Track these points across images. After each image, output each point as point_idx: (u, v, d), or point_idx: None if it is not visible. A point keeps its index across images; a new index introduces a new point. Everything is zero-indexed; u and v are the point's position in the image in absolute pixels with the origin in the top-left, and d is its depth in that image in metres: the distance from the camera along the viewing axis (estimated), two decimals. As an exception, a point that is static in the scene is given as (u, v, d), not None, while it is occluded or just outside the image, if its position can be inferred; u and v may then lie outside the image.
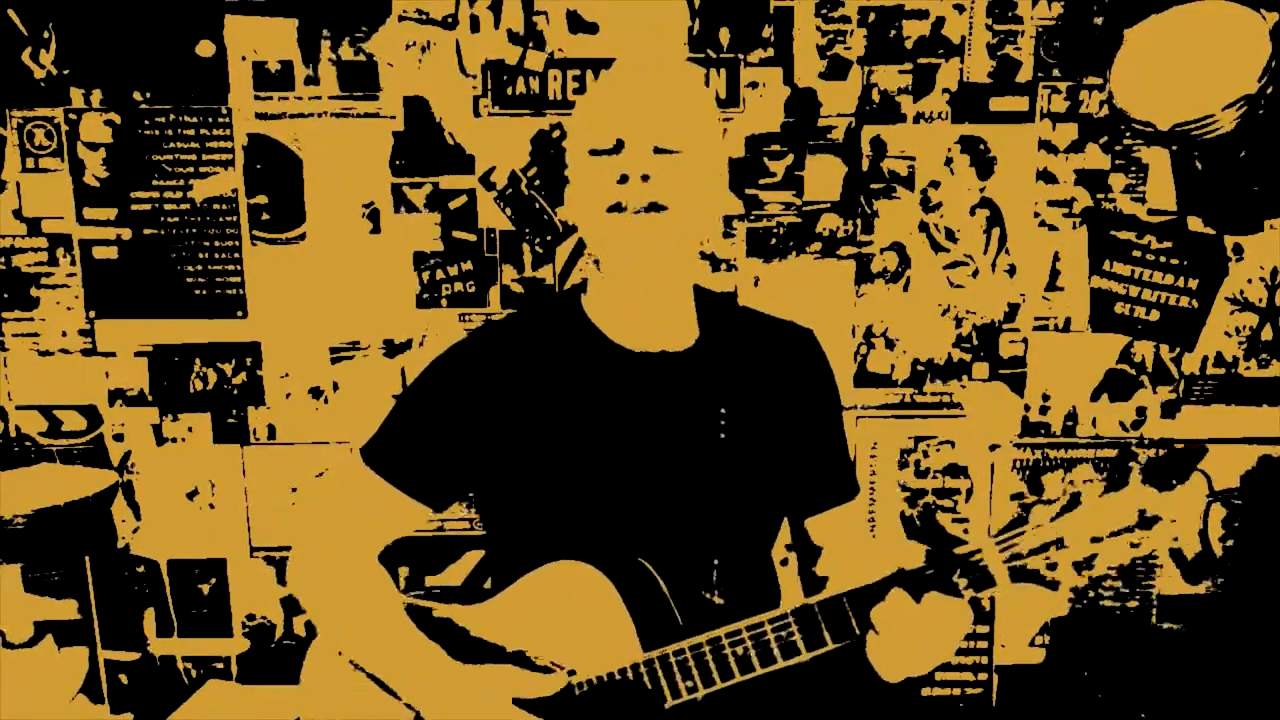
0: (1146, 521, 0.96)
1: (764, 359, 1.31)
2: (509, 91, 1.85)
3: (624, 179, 1.16)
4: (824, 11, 1.83)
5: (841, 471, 1.36)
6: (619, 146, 1.17)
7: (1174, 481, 0.96)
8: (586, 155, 1.20)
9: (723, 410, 1.25)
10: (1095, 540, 0.98)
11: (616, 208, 1.16)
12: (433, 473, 1.28)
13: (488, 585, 1.42)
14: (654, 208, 1.15)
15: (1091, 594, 2.00)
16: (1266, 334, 1.93)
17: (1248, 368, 1.94)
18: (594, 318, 1.30)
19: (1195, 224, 1.89)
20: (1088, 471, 1.95)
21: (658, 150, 1.17)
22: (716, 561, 1.21)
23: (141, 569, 1.96)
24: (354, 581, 1.27)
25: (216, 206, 1.87)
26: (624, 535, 1.20)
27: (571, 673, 1.16)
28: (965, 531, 0.98)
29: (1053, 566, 0.99)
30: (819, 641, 1.07)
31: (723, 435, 1.25)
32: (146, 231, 1.87)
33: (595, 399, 1.25)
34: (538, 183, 1.87)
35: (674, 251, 1.21)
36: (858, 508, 1.37)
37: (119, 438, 1.92)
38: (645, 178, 1.15)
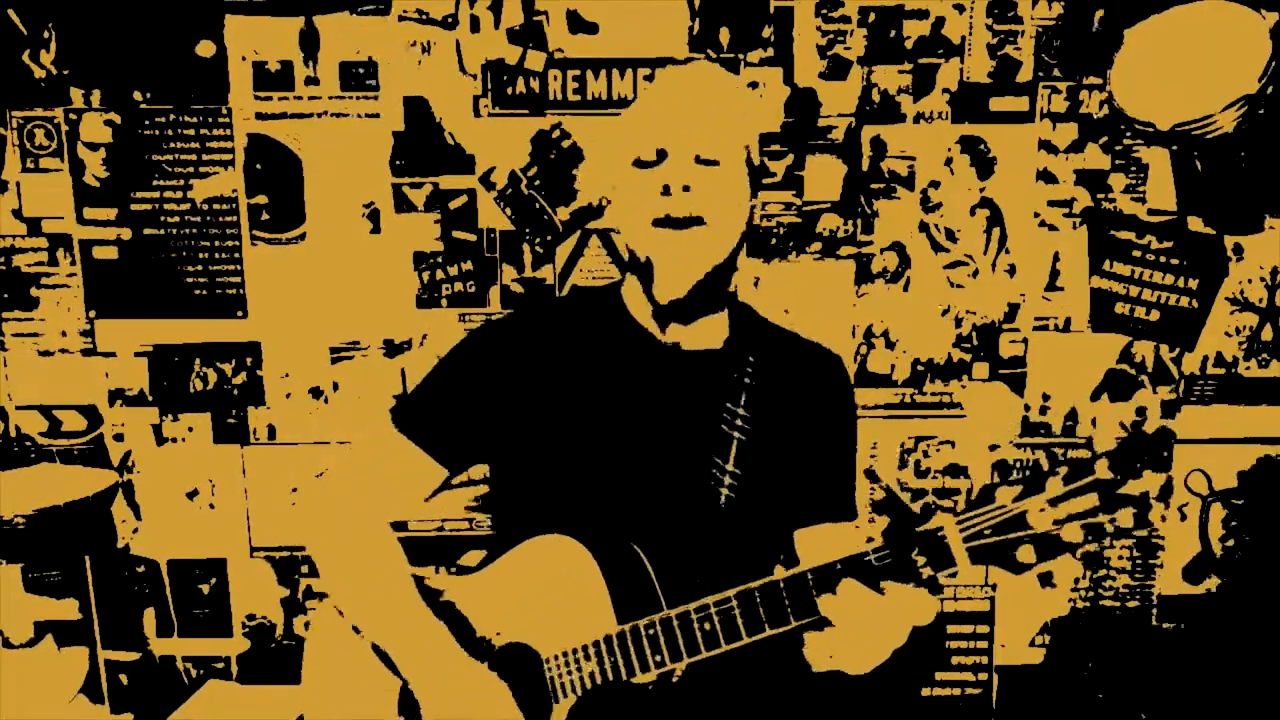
0: (1110, 504, 0.95)
1: (789, 371, 1.34)
2: (509, 91, 1.85)
3: (666, 190, 1.19)
4: (824, 11, 1.83)
5: (843, 494, 1.38)
6: (661, 156, 1.22)
7: (1139, 467, 0.95)
8: (630, 168, 1.24)
9: (740, 409, 1.27)
10: (1057, 523, 0.97)
11: (663, 222, 1.20)
12: (456, 437, 1.32)
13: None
14: (695, 221, 1.19)
15: (1092, 593, 2.00)
16: (1266, 334, 1.93)
17: (1248, 368, 1.94)
18: (633, 310, 1.34)
19: (1195, 224, 1.89)
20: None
21: (700, 160, 1.21)
22: (712, 554, 1.22)
23: (141, 569, 1.96)
24: (365, 546, 1.30)
25: (216, 206, 1.87)
26: (625, 519, 1.22)
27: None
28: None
29: (1014, 546, 0.98)
30: (782, 619, 1.07)
31: (737, 434, 1.26)
32: (147, 231, 1.87)
33: (620, 385, 1.28)
34: (538, 183, 1.87)
35: (706, 259, 1.23)
36: (849, 529, 1.37)
37: (119, 438, 1.92)
38: (686, 188, 1.19)
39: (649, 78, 1.82)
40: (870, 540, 1.03)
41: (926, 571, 1.01)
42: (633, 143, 1.24)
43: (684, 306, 1.26)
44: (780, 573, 1.08)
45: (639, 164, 1.23)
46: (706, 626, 1.10)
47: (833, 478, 1.36)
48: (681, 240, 1.20)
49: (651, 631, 1.12)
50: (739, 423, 1.27)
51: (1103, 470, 0.95)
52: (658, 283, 1.23)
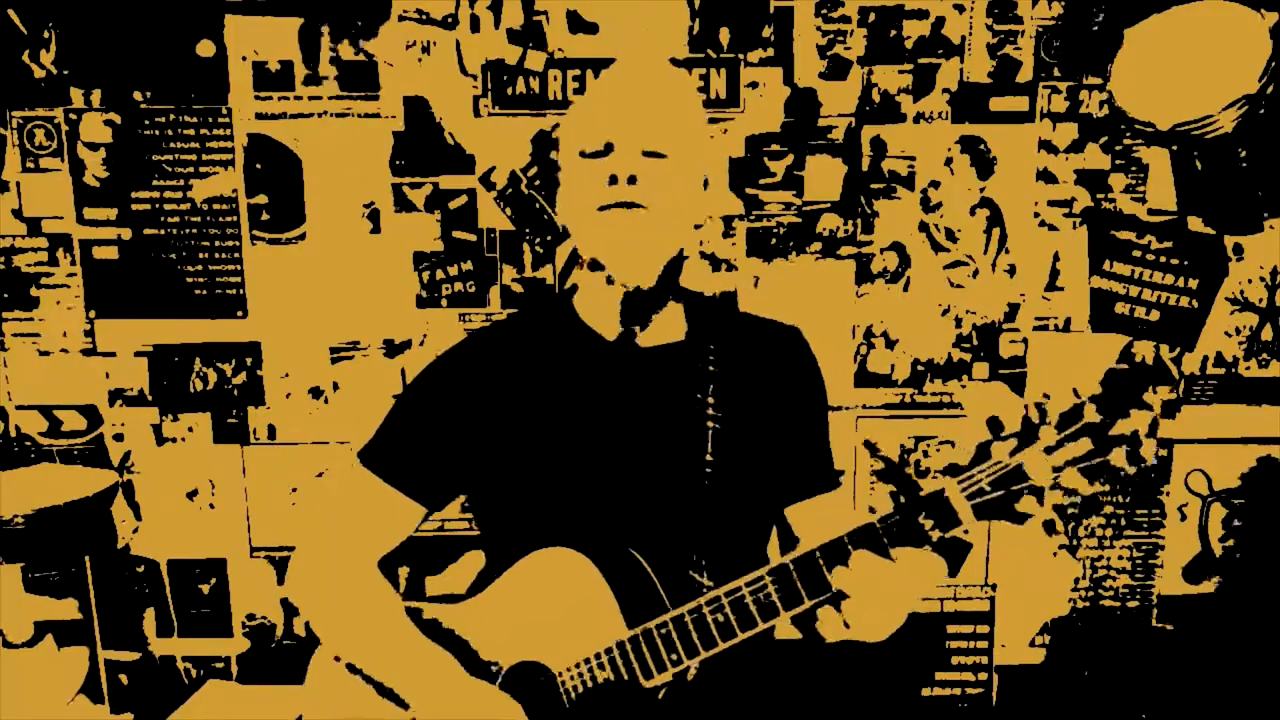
0: (1102, 447, 0.97)
1: (751, 353, 1.33)
2: (509, 91, 1.85)
3: (613, 180, 1.19)
4: (824, 11, 1.83)
5: (823, 463, 1.38)
6: (608, 149, 1.21)
7: (1127, 408, 0.97)
8: (577, 157, 1.24)
9: (710, 399, 1.27)
10: (1055, 470, 0.99)
11: (608, 206, 1.20)
12: (429, 472, 1.31)
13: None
14: (632, 205, 1.19)
15: (1092, 593, 2.00)
16: (1266, 334, 1.93)
17: (1248, 368, 1.94)
18: (585, 317, 1.32)
19: (1195, 224, 1.89)
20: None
21: (646, 154, 1.21)
22: (704, 547, 1.22)
23: (141, 569, 1.96)
24: (354, 588, 1.29)
25: (216, 206, 1.87)
26: (614, 525, 1.21)
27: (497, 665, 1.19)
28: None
29: (1015, 498, 1.00)
30: (796, 599, 1.07)
31: (710, 424, 1.26)
32: (147, 231, 1.87)
33: (586, 392, 1.28)
34: (538, 183, 1.87)
35: (654, 247, 1.24)
36: (838, 498, 1.37)
37: (119, 438, 1.92)
38: (632, 179, 1.19)
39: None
40: (872, 509, 1.04)
41: (935, 534, 1.02)
42: (580, 135, 1.24)
43: (648, 296, 1.25)
44: (776, 557, 1.08)
45: (585, 155, 1.23)
46: (719, 618, 1.09)
47: (810, 448, 1.36)
48: (625, 222, 1.19)
49: (664, 630, 1.11)
50: (710, 412, 1.27)
51: (1091, 414, 0.98)
52: (614, 273, 1.23)
